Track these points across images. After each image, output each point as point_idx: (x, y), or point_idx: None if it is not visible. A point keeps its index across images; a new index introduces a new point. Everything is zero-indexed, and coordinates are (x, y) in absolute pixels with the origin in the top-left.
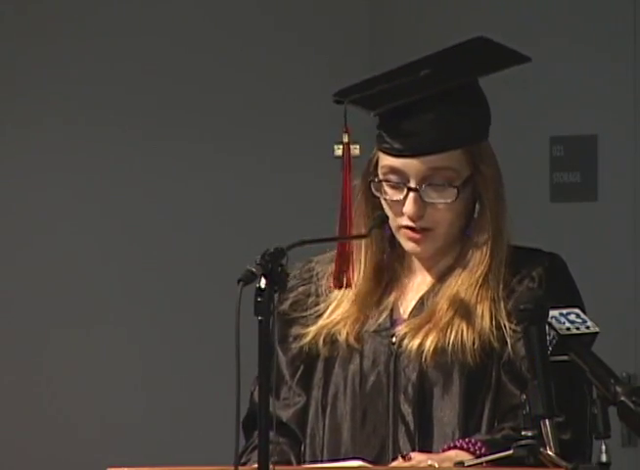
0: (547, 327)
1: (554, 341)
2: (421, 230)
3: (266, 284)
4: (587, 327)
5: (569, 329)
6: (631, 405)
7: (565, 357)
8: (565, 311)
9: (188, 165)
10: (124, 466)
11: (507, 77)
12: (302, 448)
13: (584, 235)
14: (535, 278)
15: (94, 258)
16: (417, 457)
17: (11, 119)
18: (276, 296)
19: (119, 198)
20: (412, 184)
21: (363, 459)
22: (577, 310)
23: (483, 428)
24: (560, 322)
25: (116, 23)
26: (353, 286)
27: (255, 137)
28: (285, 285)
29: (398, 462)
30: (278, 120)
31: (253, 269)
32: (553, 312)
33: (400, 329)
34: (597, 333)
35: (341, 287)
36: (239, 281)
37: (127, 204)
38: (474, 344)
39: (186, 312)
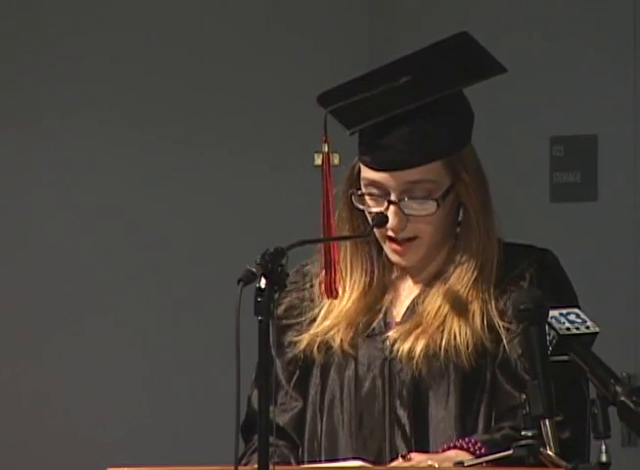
0: (547, 327)
1: (554, 341)
2: (404, 241)
3: (266, 284)
4: (587, 327)
5: (568, 329)
6: (631, 405)
7: (565, 357)
8: (565, 311)
9: (188, 165)
10: (124, 466)
11: (507, 78)
12: (300, 453)
13: (584, 235)
14: (527, 276)
15: (94, 258)
16: (417, 457)
17: (10, 119)
18: (276, 296)
19: (119, 197)
20: (392, 197)
21: (363, 459)
22: (577, 310)
23: (480, 429)
24: (560, 322)
25: (117, 23)
26: (341, 292)
27: (256, 137)
28: (285, 285)
29: (398, 462)
30: (278, 120)
31: (253, 269)
32: (553, 312)
33: (392, 334)
34: (597, 333)
35: (332, 297)
36: (239, 281)
37: (127, 203)
38: (467, 346)
39: (186, 313)
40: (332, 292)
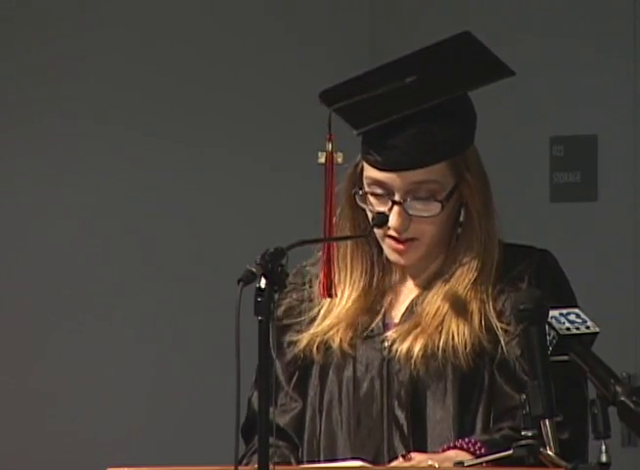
0: (547, 327)
1: (554, 341)
2: (405, 240)
3: (266, 284)
4: (587, 327)
5: (568, 329)
6: (631, 405)
7: (565, 357)
8: (565, 311)
9: (188, 165)
10: (124, 466)
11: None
12: (300, 453)
13: (584, 235)
14: (526, 276)
15: (94, 258)
16: (417, 457)
17: (10, 119)
18: (276, 296)
19: (120, 197)
20: (396, 197)
21: (363, 459)
22: (577, 310)
23: (478, 429)
24: (560, 322)
25: (117, 23)
26: (341, 291)
27: (256, 136)
28: (285, 285)
29: (399, 462)
30: (278, 119)
31: (253, 269)
32: (553, 312)
33: (391, 334)
34: (597, 333)
35: (329, 296)
36: (239, 281)
37: (127, 203)
38: (465, 346)
39: (186, 313)
40: (329, 291)
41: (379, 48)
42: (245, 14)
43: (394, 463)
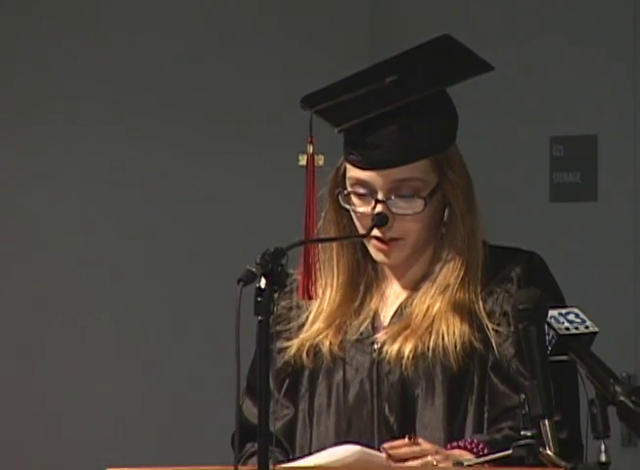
0: (546, 327)
1: (553, 341)
2: (390, 240)
3: (266, 284)
4: (586, 327)
5: (568, 329)
6: (631, 405)
7: (564, 357)
8: (564, 311)
9: (188, 164)
10: (124, 466)
11: (507, 77)
12: (293, 459)
13: (584, 235)
14: (514, 278)
15: (94, 258)
16: (424, 445)
17: (10, 118)
18: (276, 296)
19: (118, 196)
20: (379, 196)
21: (361, 443)
22: (576, 310)
23: (469, 430)
24: (559, 322)
25: (115, 22)
26: (328, 295)
27: (256, 136)
28: (285, 285)
29: (401, 442)
30: (277, 119)
31: (253, 269)
32: (552, 312)
33: (380, 336)
34: (596, 333)
35: (309, 298)
36: (239, 281)
37: (126, 202)
38: (455, 346)
39: (186, 313)
40: (308, 293)
41: (378, 48)
42: (246, 15)
43: (397, 442)
